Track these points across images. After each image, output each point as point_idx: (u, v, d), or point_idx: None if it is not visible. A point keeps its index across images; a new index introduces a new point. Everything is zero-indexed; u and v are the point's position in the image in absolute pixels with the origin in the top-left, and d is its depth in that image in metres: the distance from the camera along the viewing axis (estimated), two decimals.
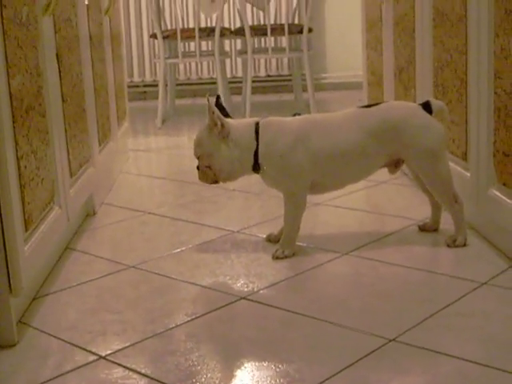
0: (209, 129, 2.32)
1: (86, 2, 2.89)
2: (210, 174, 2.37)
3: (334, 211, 2.85)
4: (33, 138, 1.97)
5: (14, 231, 1.76)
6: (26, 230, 1.88)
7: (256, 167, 2.35)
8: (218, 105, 2.36)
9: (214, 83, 5.70)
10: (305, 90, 5.41)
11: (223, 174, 2.36)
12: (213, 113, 2.30)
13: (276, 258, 2.34)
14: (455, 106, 2.54)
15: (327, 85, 6.41)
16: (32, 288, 2.11)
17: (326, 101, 5.81)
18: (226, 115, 2.37)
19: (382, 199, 3.03)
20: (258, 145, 2.33)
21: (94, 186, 2.87)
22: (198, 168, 2.39)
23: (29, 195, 1.91)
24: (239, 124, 2.36)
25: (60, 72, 2.36)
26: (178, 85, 6.01)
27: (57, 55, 2.33)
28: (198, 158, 2.38)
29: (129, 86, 5.28)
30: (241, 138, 2.33)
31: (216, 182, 2.39)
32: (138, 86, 6.36)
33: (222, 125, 2.31)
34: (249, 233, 2.62)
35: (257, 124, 2.36)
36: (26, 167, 1.89)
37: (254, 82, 5.78)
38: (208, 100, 2.28)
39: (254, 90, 5.67)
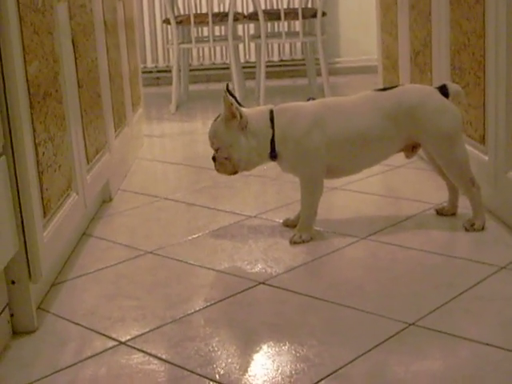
0: (226, 120, 2.31)
1: None
2: (228, 165, 2.36)
3: (351, 196, 2.85)
4: (50, 125, 1.98)
5: (32, 217, 1.77)
6: (45, 216, 1.89)
7: (273, 155, 2.34)
8: (229, 93, 2.35)
9: (228, 68, 5.69)
10: (319, 74, 5.39)
11: (242, 164, 2.36)
12: (231, 104, 2.29)
13: (293, 242, 2.34)
14: (473, 89, 2.52)
15: (341, 69, 6.38)
16: (50, 274, 2.12)
17: (341, 85, 5.79)
18: (237, 103, 2.36)
19: (399, 183, 3.02)
20: (273, 132, 2.32)
21: (110, 172, 2.87)
22: (213, 159, 2.38)
23: (47, 181, 1.91)
24: (254, 113, 2.35)
25: (76, 58, 2.36)
26: (191, 70, 6.00)
27: (72, 41, 2.33)
28: (215, 150, 2.36)
29: (142, 72, 5.27)
30: (257, 127, 2.32)
31: (235, 172, 2.38)
32: (151, 72, 6.35)
33: (241, 116, 2.30)
34: (266, 218, 2.62)
35: (271, 111, 2.36)
36: (43, 154, 1.89)
37: (267, 66, 5.76)
38: (226, 92, 2.27)
39: (268, 75, 5.65)
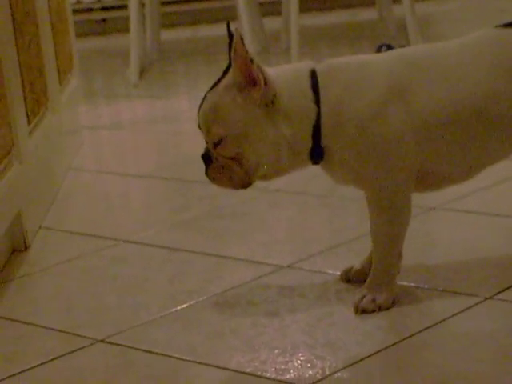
0: (237, 88, 2.31)
1: None
2: (237, 170, 2.35)
3: (461, 220, 2.85)
4: None
5: None
6: None
7: (317, 152, 2.35)
8: (230, 39, 2.35)
9: None
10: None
11: (262, 169, 2.36)
12: (251, 61, 2.28)
13: (362, 311, 2.34)
14: None
15: None
16: None
17: (436, 17, 5.81)
18: None
19: None
20: (319, 111, 2.33)
21: (22, 198, 2.88)
22: (207, 160, 2.38)
23: None
24: (283, 76, 2.35)
25: None
26: (164, 3, 6.04)
27: None
28: (215, 144, 2.35)
29: (74, 12, 5.31)
30: (290, 102, 2.33)
31: (248, 184, 2.38)
32: (90, 10, 6.40)
33: (266, 81, 2.31)
34: (308, 268, 2.62)
35: (312, 73, 2.36)
36: None
37: None
38: (237, 35, 2.26)
39: (304, 6, 5.68)
